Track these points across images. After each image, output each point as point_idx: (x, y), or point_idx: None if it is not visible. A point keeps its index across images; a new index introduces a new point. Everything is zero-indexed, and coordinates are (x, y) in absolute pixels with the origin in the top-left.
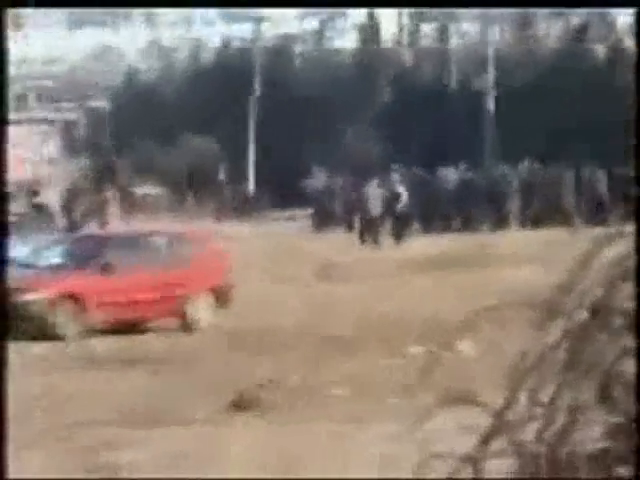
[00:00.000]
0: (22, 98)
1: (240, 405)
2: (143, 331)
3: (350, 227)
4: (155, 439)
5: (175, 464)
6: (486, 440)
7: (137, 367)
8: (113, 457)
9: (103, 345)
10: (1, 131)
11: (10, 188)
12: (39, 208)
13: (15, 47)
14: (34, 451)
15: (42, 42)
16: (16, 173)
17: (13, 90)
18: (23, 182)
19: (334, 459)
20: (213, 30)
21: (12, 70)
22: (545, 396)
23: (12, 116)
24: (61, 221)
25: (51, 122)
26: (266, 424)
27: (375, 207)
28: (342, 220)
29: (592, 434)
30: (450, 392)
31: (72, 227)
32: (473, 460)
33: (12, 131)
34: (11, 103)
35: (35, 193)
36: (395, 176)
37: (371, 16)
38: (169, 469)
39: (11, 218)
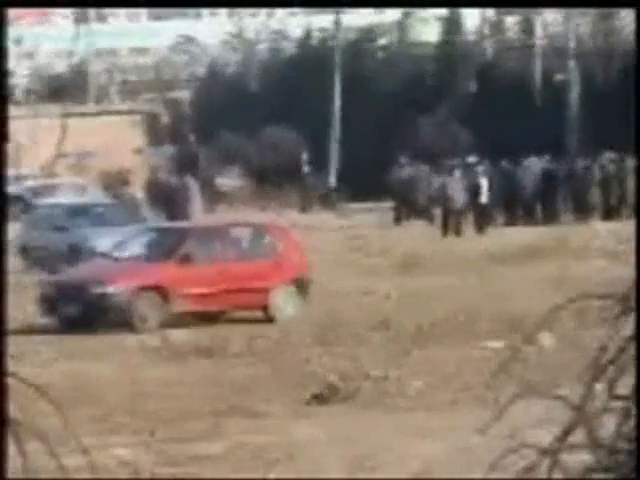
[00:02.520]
0: (106, 89)
1: (320, 397)
2: (225, 322)
3: (431, 219)
4: (236, 431)
5: (255, 457)
6: (565, 433)
7: (218, 359)
8: (195, 448)
9: (184, 336)
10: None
11: (97, 178)
12: (124, 199)
13: (99, 39)
14: (116, 438)
15: (126, 34)
16: (102, 164)
17: (97, 82)
18: (109, 173)
19: (413, 451)
20: (295, 21)
21: (97, 62)
22: (624, 389)
23: (96, 108)
24: (145, 212)
25: (135, 113)
26: (346, 416)
27: (458, 199)
28: (423, 212)
29: None
30: (530, 385)
31: (155, 218)
32: (551, 453)
33: (96, 122)
34: (95, 95)
35: (121, 184)
36: (478, 168)
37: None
38: (249, 462)
39: (98, 209)
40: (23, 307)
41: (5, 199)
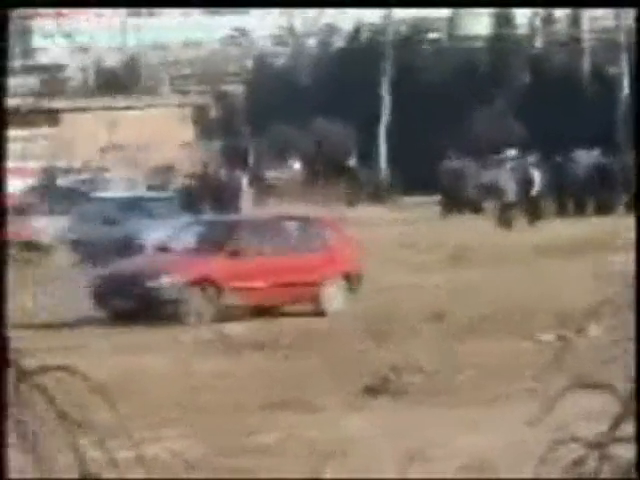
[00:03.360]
0: (157, 83)
1: (372, 390)
2: (276, 315)
3: (479, 211)
4: (289, 424)
5: (307, 450)
6: (615, 426)
7: (270, 351)
8: (248, 441)
9: (237, 330)
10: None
11: (148, 172)
12: (175, 192)
13: (151, 33)
14: (169, 431)
15: (178, 28)
16: (152, 157)
17: (149, 76)
18: (159, 166)
19: (464, 445)
20: (345, 15)
21: (148, 56)
22: None
23: (147, 100)
24: (196, 205)
25: (185, 107)
26: (398, 409)
27: (509, 191)
28: (473, 204)
29: None
30: (580, 377)
31: (207, 211)
32: (600, 446)
33: (147, 115)
34: (146, 89)
35: (172, 177)
36: (529, 160)
37: None
38: (301, 455)
39: (149, 202)
40: (75, 301)
41: (5, 198)
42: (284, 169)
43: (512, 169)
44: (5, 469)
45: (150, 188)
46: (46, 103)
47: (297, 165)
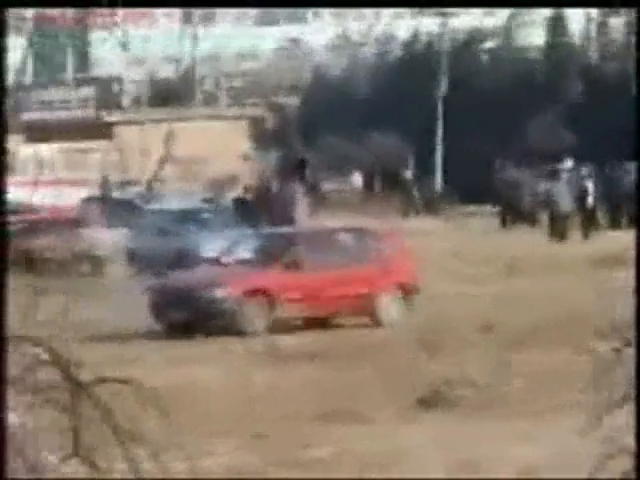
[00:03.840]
0: (213, 95)
1: (425, 402)
2: (331, 327)
3: (535, 222)
4: (342, 436)
5: (360, 461)
6: None
7: (324, 363)
8: (301, 453)
9: (291, 341)
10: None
11: (204, 184)
12: (231, 204)
13: (205, 44)
14: (222, 443)
15: (232, 39)
16: (209, 169)
17: (204, 87)
18: (216, 178)
19: (515, 456)
20: (401, 24)
21: (203, 67)
22: None
23: (203, 112)
24: (251, 217)
25: (241, 118)
26: (451, 421)
27: (564, 203)
28: (528, 216)
29: None
30: (631, 389)
31: (262, 223)
32: None
33: (203, 127)
34: (202, 100)
35: (228, 189)
36: (584, 171)
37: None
38: (354, 466)
39: (205, 214)
40: (131, 313)
41: (5, 202)
42: (340, 181)
43: (567, 180)
44: (5, 469)
45: (206, 200)
46: (102, 115)
47: (357, 177)
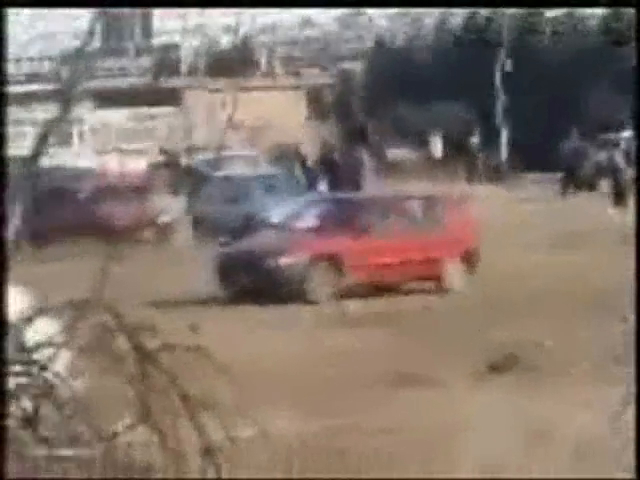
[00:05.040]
0: (273, 63)
1: (495, 367)
2: (397, 293)
3: (593, 189)
4: (411, 401)
5: (430, 428)
6: None
7: (391, 329)
8: (370, 419)
9: (358, 307)
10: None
11: (269, 150)
12: (296, 171)
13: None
14: (290, 409)
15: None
16: (273, 136)
17: (264, 56)
18: (280, 145)
19: (585, 422)
20: None
21: (263, 35)
22: None
23: (265, 81)
24: (317, 183)
25: (303, 87)
26: (520, 386)
27: (624, 171)
28: (589, 184)
29: None
30: None
31: (328, 189)
32: None
33: (265, 96)
34: (262, 69)
35: (294, 155)
36: None
37: None
38: (423, 432)
39: (271, 181)
40: (198, 279)
41: (4, 190)
42: (404, 148)
43: (627, 149)
44: (5, 469)
45: (273, 167)
46: (167, 83)
47: (416, 144)
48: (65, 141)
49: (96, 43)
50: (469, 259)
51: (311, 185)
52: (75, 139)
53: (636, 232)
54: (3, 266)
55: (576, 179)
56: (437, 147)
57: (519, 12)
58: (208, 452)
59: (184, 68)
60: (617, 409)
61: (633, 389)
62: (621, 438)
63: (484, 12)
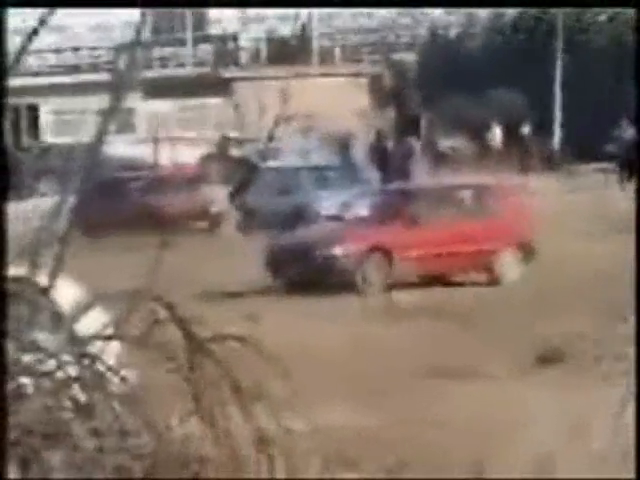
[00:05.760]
0: (329, 52)
1: (543, 360)
2: (449, 284)
3: None
4: (460, 394)
5: (480, 420)
6: None
7: (442, 320)
8: (420, 411)
9: (408, 299)
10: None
11: (321, 141)
12: (348, 161)
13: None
14: (340, 401)
15: None
16: (326, 126)
17: (321, 45)
18: (333, 135)
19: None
20: None
21: (320, 25)
22: None
23: (320, 70)
24: (369, 174)
25: (359, 76)
26: (568, 381)
27: None
28: None
29: None
30: None
31: (380, 180)
32: None
33: (320, 85)
34: (319, 58)
35: (345, 146)
36: None
37: None
38: (474, 424)
39: (323, 172)
40: (248, 270)
41: (6, 197)
42: (456, 137)
43: None
44: (5, 469)
45: (324, 157)
46: (219, 72)
47: (469, 133)
48: (119, 131)
49: (148, 33)
50: (522, 250)
51: (363, 176)
52: (128, 129)
53: (636, 231)
54: (3, 266)
55: (630, 169)
56: (496, 137)
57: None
58: (261, 444)
59: (244, 57)
60: None
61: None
62: None
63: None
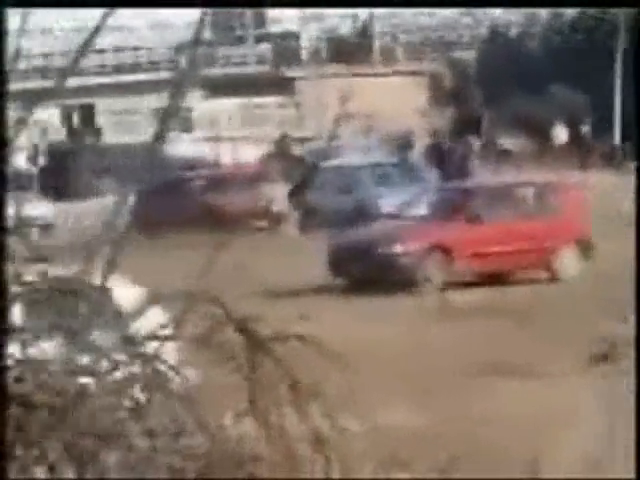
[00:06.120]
0: (389, 51)
1: (599, 358)
2: (508, 282)
3: None
4: (516, 391)
5: (533, 417)
6: None
7: (499, 318)
8: (475, 409)
9: (467, 297)
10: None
11: (381, 139)
12: (408, 159)
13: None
14: (398, 401)
15: None
16: (386, 124)
17: (381, 43)
18: (393, 134)
19: None
20: None
21: (380, 23)
22: None
23: (381, 69)
24: (428, 172)
25: (419, 74)
26: (624, 377)
27: None
28: None
29: None
30: None
31: (439, 179)
32: None
33: (381, 83)
34: (379, 56)
35: (405, 144)
36: None
37: None
38: (528, 422)
39: (383, 170)
40: (310, 269)
41: (5, 199)
42: (516, 135)
43: None
44: (5, 469)
45: (384, 156)
46: (280, 71)
47: (528, 131)
48: (179, 130)
49: (208, 32)
50: (582, 247)
51: (422, 174)
52: (189, 128)
53: (636, 231)
54: (3, 267)
55: None
56: (561, 135)
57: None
58: (317, 443)
59: (305, 56)
60: None
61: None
62: None
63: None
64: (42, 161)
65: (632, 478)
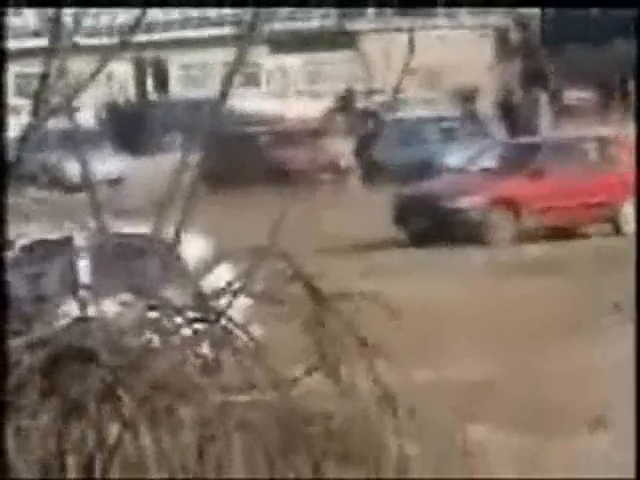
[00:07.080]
0: (455, 4)
1: None
2: (573, 236)
3: None
4: (581, 347)
5: (599, 373)
6: None
7: (567, 274)
8: (542, 367)
9: (534, 251)
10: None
11: (446, 93)
12: (474, 114)
13: None
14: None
15: None
16: (451, 79)
17: None
18: (458, 88)
19: None
20: None
21: None
22: None
23: (446, 22)
24: (494, 127)
25: (485, 28)
26: None
27: None
28: None
29: None
30: None
31: (505, 133)
32: None
33: (447, 37)
34: (445, 9)
35: (470, 99)
36: None
37: None
38: (594, 378)
39: (448, 123)
40: (374, 223)
41: (5, 189)
42: (582, 89)
43: None
44: (5, 469)
45: (450, 110)
46: (345, 25)
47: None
48: (245, 85)
49: None
50: None
51: (488, 129)
52: (254, 83)
53: (636, 231)
54: (2, 261)
55: None
56: (629, 88)
57: None
58: (385, 398)
59: (369, 9)
60: None
61: None
62: None
63: None
64: (110, 117)
65: (632, 478)
